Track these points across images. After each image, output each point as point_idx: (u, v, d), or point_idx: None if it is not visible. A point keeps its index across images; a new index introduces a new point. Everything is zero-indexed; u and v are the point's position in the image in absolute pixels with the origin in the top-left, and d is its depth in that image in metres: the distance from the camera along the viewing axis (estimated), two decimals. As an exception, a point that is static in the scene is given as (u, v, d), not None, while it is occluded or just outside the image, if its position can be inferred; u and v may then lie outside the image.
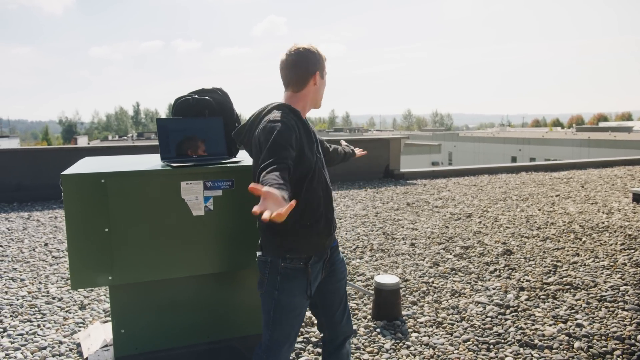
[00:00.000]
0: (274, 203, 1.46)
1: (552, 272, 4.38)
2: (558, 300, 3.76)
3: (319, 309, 2.21)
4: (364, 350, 3.08)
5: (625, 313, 3.49)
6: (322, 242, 2.03)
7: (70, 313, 3.65)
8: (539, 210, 7.01)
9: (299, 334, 3.26)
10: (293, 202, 1.43)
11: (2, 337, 3.24)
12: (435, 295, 3.93)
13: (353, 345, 3.12)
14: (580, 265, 4.55)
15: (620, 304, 3.65)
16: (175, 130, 2.67)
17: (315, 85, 2.02)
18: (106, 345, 2.91)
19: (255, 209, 1.41)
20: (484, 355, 3.00)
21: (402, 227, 6.14)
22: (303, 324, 3.40)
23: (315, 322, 3.44)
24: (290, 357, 2.95)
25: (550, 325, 3.35)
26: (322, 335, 2.30)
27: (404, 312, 3.61)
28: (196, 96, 2.79)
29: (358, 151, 2.76)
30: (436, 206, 7.42)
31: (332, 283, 2.17)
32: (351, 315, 2.33)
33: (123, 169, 2.42)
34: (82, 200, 2.32)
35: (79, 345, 3.12)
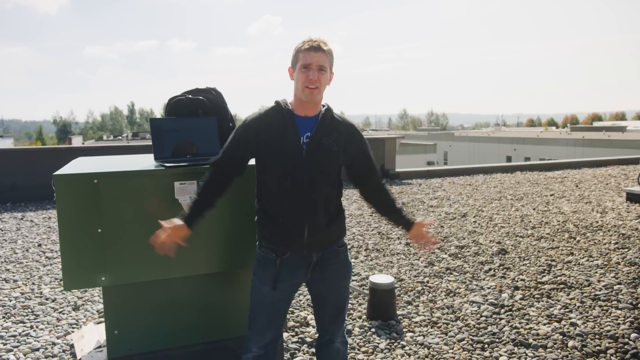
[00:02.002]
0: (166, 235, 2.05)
1: (546, 272, 4.39)
2: (552, 300, 3.77)
3: (313, 305, 2.27)
4: (358, 350, 3.08)
5: (618, 312, 3.51)
6: (295, 241, 2.03)
7: (63, 314, 3.63)
8: (534, 209, 7.03)
9: (294, 334, 3.25)
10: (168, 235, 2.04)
11: (-6, 338, 3.22)
12: (430, 295, 3.93)
13: (348, 345, 3.11)
14: (575, 265, 4.57)
15: (614, 302, 3.67)
16: (169, 130, 2.66)
17: (292, 79, 2.04)
18: (100, 347, 2.89)
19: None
20: (478, 354, 3.00)
21: (397, 227, 6.13)
22: (297, 324, 3.39)
23: (310, 322, 3.44)
24: (285, 357, 2.96)
25: (544, 324, 3.36)
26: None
27: (398, 312, 3.61)
28: (190, 96, 2.78)
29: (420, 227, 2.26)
30: (431, 206, 7.43)
31: (325, 289, 2.17)
32: (344, 323, 2.30)
33: (116, 169, 2.40)
34: (75, 201, 2.31)
35: (72, 346, 3.10)
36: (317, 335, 2.33)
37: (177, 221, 2.04)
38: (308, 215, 2.01)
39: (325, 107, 2.08)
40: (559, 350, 3.01)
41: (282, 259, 2.06)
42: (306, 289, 2.28)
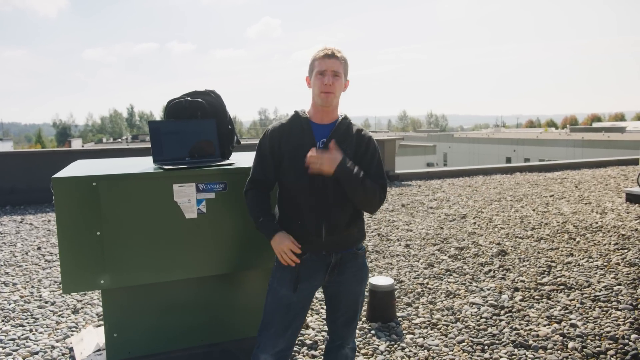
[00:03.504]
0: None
1: (546, 273, 4.39)
2: (552, 301, 3.77)
3: (326, 308, 2.28)
4: (358, 352, 3.07)
5: (618, 313, 3.50)
6: (314, 241, 2.07)
7: (63, 317, 3.62)
8: (533, 210, 7.03)
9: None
10: None
11: (-7, 342, 3.22)
12: (430, 297, 3.92)
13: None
14: (574, 266, 4.56)
15: (613, 303, 3.67)
16: (167, 133, 2.66)
17: (310, 87, 2.13)
18: (99, 350, 2.88)
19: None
20: (478, 356, 3.00)
21: (397, 229, 6.14)
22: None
23: (310, 325, 3.43)
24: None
25: (544, 325, 3.35)
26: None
27: (398, 314, 3.60)
28: (189, 98, 2.79)
29: None
30: (431, 207, 7.43)
31: (341, 293, 2.18)
32: (356, 329, 2.31)
33: (115, 172, 2.41)
34: (74, 204, 2.31)
35: (71, 349, 3.09)
36: (316, 337, 2.34)
37: (278, 237, 2.06)
38: (324, 216, 2.06)
39: (343, 116, 2.16)
40: (559, 352, 3.01)
41: (302, 260, 2.08)
42: (323, 293, 2.28)
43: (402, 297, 3.93)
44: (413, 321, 3.49)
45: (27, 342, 3.22)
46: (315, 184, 2.04)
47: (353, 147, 2.10)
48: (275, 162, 2.12)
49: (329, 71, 2.03)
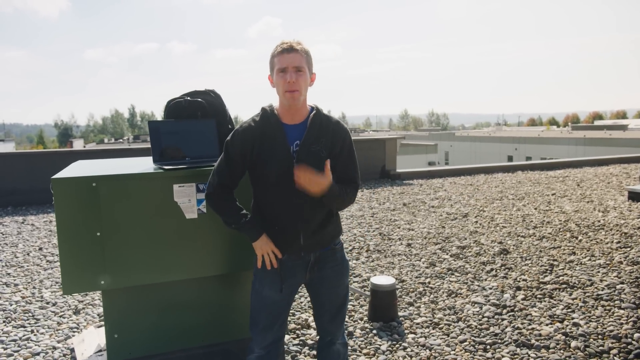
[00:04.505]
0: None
1: (548, 271, 4.37)
2: (554, 300, 3.75)
3: (312, 306, 2.28)
4: (360, 352, 3.06)
5: (621, 312, 3.48)
6: (293, 245, 2.06)
7: (64, 318, 3.62)
8: (535, 209, 7.01)
9: (295, 336, 3.24)
10: None
11: (-5, 343, 3.21)
12: (432, 296, 3.91)
13: (349, 347, 3.10)
14: (577, 264, 4.54)
15: (616, 302, 3.65)
16: (167, 133, 2.66)
17: (273, 87, 2.03)
18: (100, 350, 2.88)
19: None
20: (480, 355, 2.98)
21: (399, 228, 6.13)
22: (298, 326, 3.38)
23: (311, 324, 3.43)
24: (286, 359, 2.94)
25: (547, 324, 3.34)
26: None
27: (400, 313, 3.59)
28: (188, 98, 2.78)
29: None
30: (432, 206, 7.41)
31: (323, 288, 2.18)
32: (343, 323, 2.30)
33: (114, 172, 2.40)
34: (73, 204, 2.30)
35: (72, 350, 3.09)
36: (317, 337, 2.33)
37: (265, 238, 2.06)
38: (302, 222, 2.04)
39: (314, 110, 2.06)
40: (561, 351, 2.99)
41: (281, 261, 2.09)
42: (306, 290, 2.27)
43: (403, 296, 3.92)
44: (415, 321, 3.48)
45: (28, 342, 3.22)
46: (292, 192, 1.99)
47: (328, 147, 2.03)
48: (244, 169, 2.06)
49: (290, 68, 1.91)
